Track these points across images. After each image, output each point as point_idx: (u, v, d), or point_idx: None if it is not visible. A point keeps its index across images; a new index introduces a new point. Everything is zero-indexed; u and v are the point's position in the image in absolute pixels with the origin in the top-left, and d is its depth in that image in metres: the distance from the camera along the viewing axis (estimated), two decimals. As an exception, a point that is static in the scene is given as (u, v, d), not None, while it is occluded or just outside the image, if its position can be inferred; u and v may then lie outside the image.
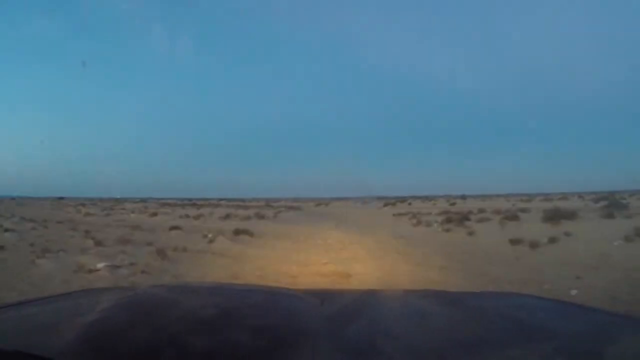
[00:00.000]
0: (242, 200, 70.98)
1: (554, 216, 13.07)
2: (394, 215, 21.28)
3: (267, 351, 0.75)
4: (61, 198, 76.78)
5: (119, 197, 78.48)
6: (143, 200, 65.36)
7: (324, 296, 1.16)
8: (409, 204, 45.20)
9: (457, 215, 15.87)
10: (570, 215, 13.94)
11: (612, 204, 21.46)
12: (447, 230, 12.35)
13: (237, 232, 12.13)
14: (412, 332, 0.92)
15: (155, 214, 25.49)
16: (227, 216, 20.77)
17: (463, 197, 58.89)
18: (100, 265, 6.99)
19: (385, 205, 43.33)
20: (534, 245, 8.49)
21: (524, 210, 21.69)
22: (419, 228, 13.66)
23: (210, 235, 12.31)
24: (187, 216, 21.95)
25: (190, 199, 77.02)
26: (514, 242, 9.05)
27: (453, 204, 41.20)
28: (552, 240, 8.80)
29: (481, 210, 22.49)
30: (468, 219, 13.94)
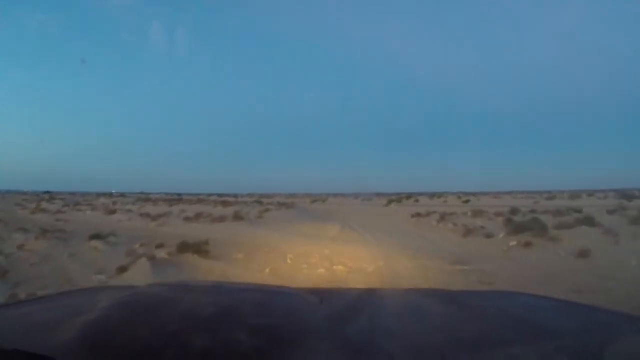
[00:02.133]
0: (235, 195, 66.53)
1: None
2: (412, 216, 16.51)
3: (267, 350, 0.73)
4: (48, 192, 74.67)
5: (114, 192, 78.46)
6: (123, 195, 60.64)
7: (323, 295, 1.13)
8: (416, 201, 40.53)
9: (514, 218, 11.20)
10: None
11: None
12: (527, 246, 7.66)
13: (184, 248, 7.35)
14: (412, 331, 0.90)
15: (113, 212, 20.64)
16: (198, 216, 15.95)
17: (474, 194, 54.49)
18: None
19: (390, 202, 38.54)
20: None
21: (576, 211, 17.12)
22: (474, 240, 8.94)
23: (140, 251, 7.56)
24: (148, 216, 17.12)
25: (179, 194, 73.68)
26: None
27: (467, 201, 36.60)
28: None
29: (515, 211, 17.82)
30: (542, 226, 9.23)
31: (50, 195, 54.79)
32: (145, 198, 48.52)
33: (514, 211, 16.83)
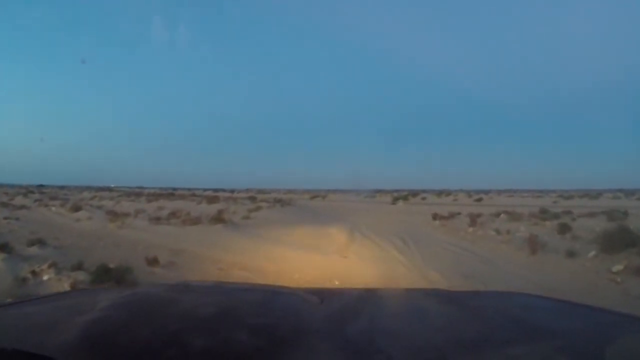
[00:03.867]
0: (232, 190, 63.98)
1: None
2: (434, 218, 13.69)
3: (267, 349, 0.73)
4: (41, 185, 73.66)
5: (112, 185, 79.11)
6: (110, 189, 57.87)
7: (323, 294, 1.11)
8: (423, 198, 37.74)
9: (568, 223, 8.44)
10: None
11: None
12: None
13: (103, 275, 4.52)
14: (412, 331, 0.89)
15: (78, 209, 17.75)
16: (171, 215, 13.10)
17: (476, 192, 51.77)
18: None
19: (396, 199, 35.71)
20: None
21: (622, 212, 14.39)
22: (549, 260, 6.10)
23: (44, 276, 4.80)
24: (114, 214, 14.27)
25: (175, 189, 71.47)
26: None
27: (479, 199, 33.84)
28: None
29: (551, 214, 15.04)
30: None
31: (38, 189, 51.97)
32: (132, 192, 45.59)
33: (555, 214, 14.09)
